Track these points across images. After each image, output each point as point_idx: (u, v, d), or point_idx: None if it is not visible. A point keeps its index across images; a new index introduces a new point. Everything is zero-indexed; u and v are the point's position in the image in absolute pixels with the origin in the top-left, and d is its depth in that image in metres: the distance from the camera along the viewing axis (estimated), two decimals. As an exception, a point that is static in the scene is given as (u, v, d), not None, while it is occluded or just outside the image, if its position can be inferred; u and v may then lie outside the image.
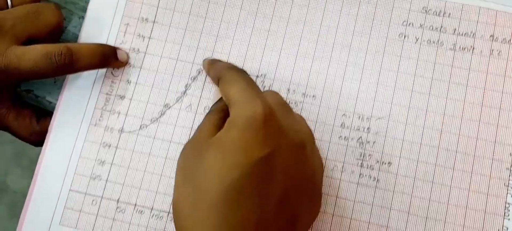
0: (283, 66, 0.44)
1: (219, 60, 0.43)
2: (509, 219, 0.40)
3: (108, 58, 0.42)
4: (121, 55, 0.43)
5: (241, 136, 0.31)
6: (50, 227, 0.42)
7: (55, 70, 0.39)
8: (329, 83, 0.43)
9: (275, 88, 0.43)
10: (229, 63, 0.41)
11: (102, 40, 0.45)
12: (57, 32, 0.43)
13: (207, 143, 0.32)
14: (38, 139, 0.43)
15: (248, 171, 0.30)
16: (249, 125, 0.31)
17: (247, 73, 0.37)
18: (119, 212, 0.42)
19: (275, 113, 0.32)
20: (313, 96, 0.43)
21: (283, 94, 0.43)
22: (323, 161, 0.42)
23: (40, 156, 0.43)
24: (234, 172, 0.30)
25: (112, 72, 0.44)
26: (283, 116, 0.33)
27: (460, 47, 0.43)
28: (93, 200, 0.42)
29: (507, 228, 0.40)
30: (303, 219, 0.34)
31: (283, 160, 0.31)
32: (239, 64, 0.44)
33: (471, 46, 0.43)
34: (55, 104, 0.44)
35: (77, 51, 0.40)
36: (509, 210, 0.40)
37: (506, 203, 0.40)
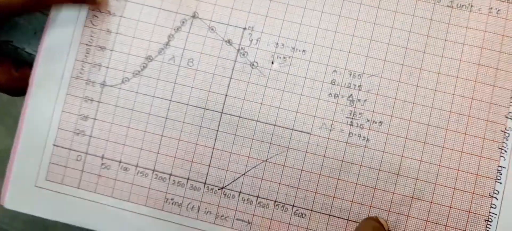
0: (272, 18, 0.43)
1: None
2: (500, 183, 0.40)
3: None
4: None
5: None
6: (36, 182, 0.42)
7: (28, 5, 0.38)
8: (320, 37, 0.42)
9: (263, 41, 0.42)
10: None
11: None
12: None
13: None
14: (17, 85, 0.43)
15: None
16: None
17: None
18: (104, 168, 0.42)
19: None
20: (303, 51, 0.42)
21: (271, 48, 0.42)
22: (312, 119, 0.41)
23: (22, 109, 0.43)
24: None
25: (91, 22, 0.43)
26: None
27: (457, 5, 0.42)
28: (78, 156, 0.42)
29: (498, 192, 0.40)
30: None
31: None
32: (225, 15, 0.43)
33: (470, 4, 0.42)
34: (35, 56, 0.43)
35: None
36: (501, 173, 0.40)
37: (498, 166, 0.40)
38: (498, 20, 0.42)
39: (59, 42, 0.43)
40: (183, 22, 0.43)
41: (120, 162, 0.42)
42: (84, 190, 0.42)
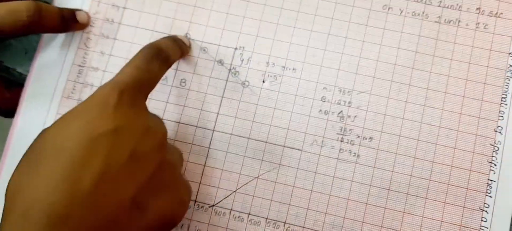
0: (263, 38, 0.44)
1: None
2: (491, 196, 0.40)
3: (68, 21, 0.43)
4: (80, 17, 0.43)
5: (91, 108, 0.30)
6: (21, 203, 0.42)
7: (22, 28, 0.39)
8: (310, 55, 0.43)
9: (254, 61, 0.43)
10: (163, 38, 0.41)
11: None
12: None
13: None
14: (8, 107, 0.43)
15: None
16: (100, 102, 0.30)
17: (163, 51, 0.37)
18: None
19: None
20: (293, 69, 0.43)
21: (262, 67, 0.43)
22: (303, 135, 0.42)
23: (11, 129, 0.43)
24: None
25: (85, 43, 0.44)
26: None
27: (445, 20, 0.43)
28: (65, 175, 0.42)
29: (489, 205, 0.40)
30: (155, 206, 0.31)
31: (130, 140, 0.30)
32: (216, 36, 0.44)
33: (457, 19, 0.43)
34: (26, 75, 0.44)
35: (45, 10, 0.40)
36: (491, 187, 0.40)
37: (488, 179, 0.40)
38: (485, 35, 0.43)
39: (52, 62, 0.44)
40: (175, 43, 0.44)
41: (110, 180, 0.42)
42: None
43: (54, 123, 0.29)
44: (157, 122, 0.34)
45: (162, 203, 0.32)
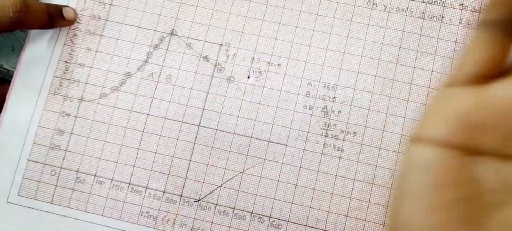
0: (248, 34, 0.44)
1: None
2: (474, 190, 0.40)
3: (54, 17, 0.43)
4: (67, 13, 0.44)
5: None
6: (8, 198, 0.43)
7: (9, 24, 0.39)
8: (295, 51, 0.44)
9: (239, 56, 0.44)
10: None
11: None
12: None
13: None
14: None
15: None
16: None
17: None
18: (79, 182, 0.43)
19: None
20: (278, 65, 0.44)
21: (247, 63, 0.44)
22: (287, 130, 0.42)
23: (-3, 125, 0.43)
24: None
25: (71, 40, 0.45)
26: None
27: (429, 16, 0.43)
28: (52, 170, 0.43)
29: (472, 199, 0.40)
30: None
31: None
32: (202, 31, 0.45)
33: (440, 15, 0.43)
34: (13, 72, 0.44)
35: (31, 6, 0.40)
36: (474, 181, 0.40)
37: (471, 173, 0.41)
38: (468, 31, 0.43)
39: (38, 59, 0.44)
40: (162, 40, 0.45)
41: (95, 175, 0.43)
42: (57, 205, 0.43)
43: None
44: None
45: None
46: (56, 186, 0.43)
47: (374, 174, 0.41)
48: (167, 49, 0.44)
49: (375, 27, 0.44)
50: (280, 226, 0.42)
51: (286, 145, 0.42)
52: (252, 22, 0.44)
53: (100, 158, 0.43)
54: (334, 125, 0.42)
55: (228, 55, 0.44)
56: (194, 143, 0.43)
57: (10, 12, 0.39)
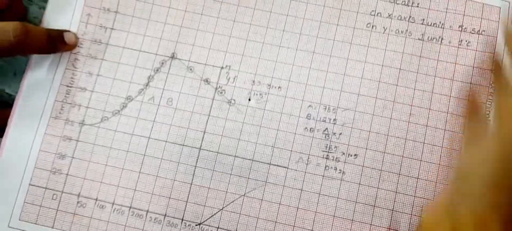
0: (249, 57, 0.45)
1: None
2: (476, 211, 0.40)
3: (55, 42, 0.43)
4: (68, 38, 0.44)
5: None
6: (9, 223, 0.43)
7: (10, 49, 0.40)
8: (295, 73, 0.44)
9: (240, 79, 0.44)
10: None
11: (64, 31, 0.45)
12: (17, 7, 0.44)
13: None
14: None
15: None
16: None
17: None
18: (80, 206, 0.43)
19: None
20: (279, 87, 0.44)
21: (248, 85, 0.44)
22: (288, 153, 0.43)
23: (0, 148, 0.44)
24: None
25: (73, 64, 0.45)
26: None
27: (428, 38, 0.44)
28: (53, 195, 0.43)
29: (474, 220, 0.40)
30: None
31: None
32: (203, 55, 0.45)
33: (440, 37, 0.44)
34: (15, 96, 0.44)
35: (32, 31, 0.41)
36: (476, 202, 0.41)
37: (473, 195, 0.41)
38: (468, 52, 0.44)
39: (40, 83, 0.45)
40: (163, 63, 0.45)
41: (96, 199, 0.43)
42: (58, 229, 0.43)
43: None
44: None
45: None
46: (57, 210, 0.43)
47: (376, 196, 0.41)
48: (168, 73, 0.45)
49: (375, 49, 0.44)
50: (282, 250, 0.42)
51: (287, 168, 0.42)
52: (252, 45, 0.45)
53: (101, 182, 0.43)
54: (335, 147, 0.42)
55: (229, 78, 0.44)
56: (195, 166, 0.43)
57: (11, 36, 0.39)
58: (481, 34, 0.44)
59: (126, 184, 0.43)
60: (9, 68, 0.46)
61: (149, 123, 0.44)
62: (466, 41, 0.44)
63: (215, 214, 0.42)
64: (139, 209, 0.42)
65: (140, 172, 0.43)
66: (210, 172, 0.43)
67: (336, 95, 0.43)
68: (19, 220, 0.43)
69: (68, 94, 0.45)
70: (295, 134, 0.43)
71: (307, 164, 0.42)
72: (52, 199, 0.43)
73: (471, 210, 0.32)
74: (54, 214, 0.43)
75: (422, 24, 0.44)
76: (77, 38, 0.45)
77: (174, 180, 0.43)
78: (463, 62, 0.43)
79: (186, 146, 0.43)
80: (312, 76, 0.44)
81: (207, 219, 0.42)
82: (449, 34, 0.44)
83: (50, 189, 0.43)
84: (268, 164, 0.42)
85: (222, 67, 0.45)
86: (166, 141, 0.43)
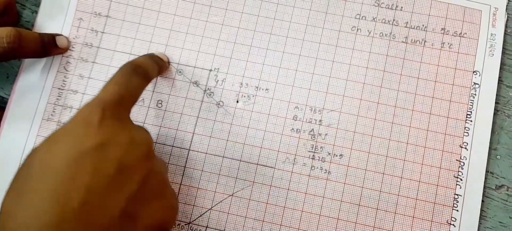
0: (237, 60, 0.46)
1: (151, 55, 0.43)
2: (457, 210, 0.42)
3: (48, 46, 0.44)
4: (60, 41, 0.45)
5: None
6: (2, 224, 0.43)
7: (3, 54, 0.40)
8: (282, 76, 0.45)
9: (228, 82, 0.45)
10: (141, 56, 0.42)
11: (56, 35, 0.46)
12: (11, 12, 0.46)
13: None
14: None
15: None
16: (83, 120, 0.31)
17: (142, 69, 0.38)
18: (71, 207, 0.44)
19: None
20: (266, 89, 0.45)
21: (236, 88, 0.45)
22: (275, 153, 0.44)
23: (-8, 151, 0.45)
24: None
25: (65, 67, 0.46)
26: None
27: (412, 40, 0.45)
28: (45, 196, 0.44)
29: (455, 219, 0.42)
30: (146, 215, 0.33)
31: (116, 153, 0.31)
32: (192, 58, 0.46)
33: (423, 39, 0.45)
34: (8, 99, 0.45)
35: (25, 36, 0.42)
36: (457, 201, 0.42)
37: (455, 194, 0.42)
38: (450, 54, 0.45)
39: (32, 86, 0.46)
40: (153, 66, 0.46)
41: (88, 199, 0.44)
42: (52, 228, 0.44)
43: (42, 142, 0.29)
44: (142, 132, 0.34)
45: (153, 211, 0.33)
46: (49, 210, 0.44)
47: (361, 195, 0.43)
48: (157, 76, 0.46)
49: (360, 52, 0.45)
50: (269, 248, 0.43)
51: (274, 168, 0.44)
52: (240, 48, 0.46)
53: (92, 183, 0.44)
54: (321, 147, 0.44)
55: (217, 80, 0.46)
56: (185, 167, 0.44)
57: (4, 42, 0.40)
58: (463, 37, 0.45)
59: (117, 185, 0.44)
60: (2, 71, 0.47)
61: (140, 124, 0.45)
62: (448, 43, 0.45)
63: (204, 213, 0.43)
64: (130, 209, 0.43)
65: (130, 173, 0.44)
66: (199, 172, 0.44)
67: (321, 97, 0.44)
68: (12, 220, 0.44)
69: (60, 96, 0.46)
70: (282, 134, 0.44)
71: (293, 164, 0.43)
72: (45, 199, 0.44)
73: None
74: (46, 214, 0.44)
75: (406, 27, 0.45)
76: (69, 41, 0.46)
77: (164, 180, 0.44)
78: (445, 64, 0.44)
79: (176, 146, 0.44)
80: (298, 78, 0.45)
81: (196, 219, 0.43)
82: (431, 37, 0.45)
83: (43, 190, 0.44)
84: (255, 164, 0.44)
85: (210, 70, 0.46)
86: (156, 142, 0.44)
